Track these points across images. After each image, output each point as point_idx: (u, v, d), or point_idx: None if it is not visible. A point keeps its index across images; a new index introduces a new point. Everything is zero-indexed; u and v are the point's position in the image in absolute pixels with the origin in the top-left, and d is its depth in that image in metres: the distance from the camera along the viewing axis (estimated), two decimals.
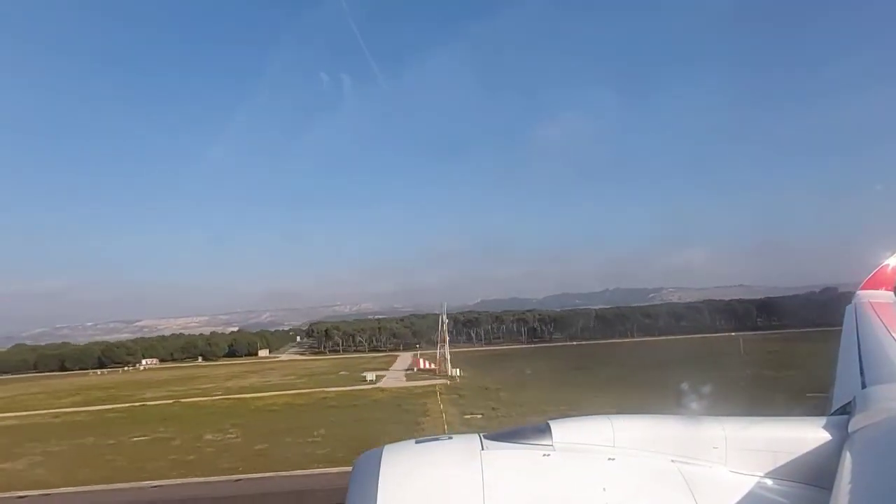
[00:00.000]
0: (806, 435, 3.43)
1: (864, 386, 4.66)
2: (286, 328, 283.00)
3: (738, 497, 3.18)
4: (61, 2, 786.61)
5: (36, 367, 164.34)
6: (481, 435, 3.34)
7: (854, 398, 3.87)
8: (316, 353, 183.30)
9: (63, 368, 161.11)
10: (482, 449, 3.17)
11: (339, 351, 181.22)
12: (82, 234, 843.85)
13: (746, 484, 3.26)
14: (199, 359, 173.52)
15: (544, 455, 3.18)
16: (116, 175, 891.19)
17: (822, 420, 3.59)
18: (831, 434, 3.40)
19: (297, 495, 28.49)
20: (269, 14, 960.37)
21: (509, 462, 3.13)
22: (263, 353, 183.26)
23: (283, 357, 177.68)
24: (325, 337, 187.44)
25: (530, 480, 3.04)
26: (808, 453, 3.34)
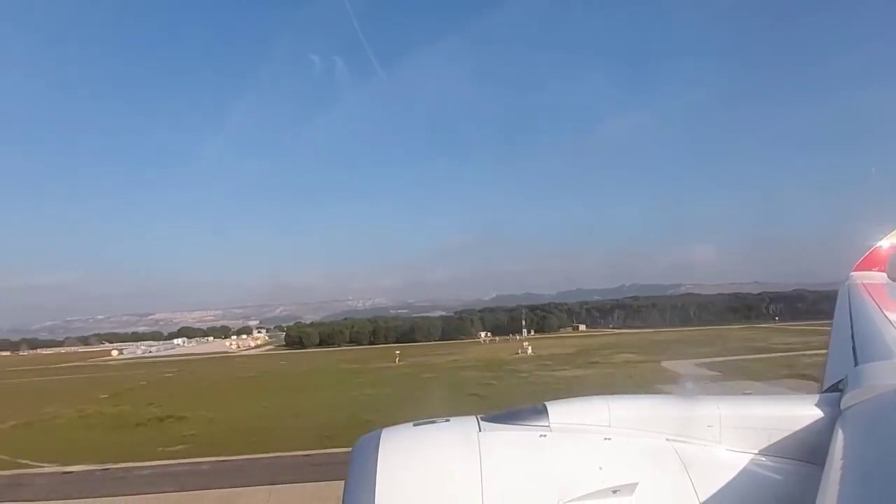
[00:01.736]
0: (799, 412, 3.43)
1: (856, 364, 4.65)
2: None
3: (733, 474, 3.19)
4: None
5: (386, 338, 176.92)
6: (478, 417, 3.34)
7: (846, 376, 3.88)
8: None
9: (411, 339, 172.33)
10: (479, 431, 3.18)
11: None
12: (89, 229, 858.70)
13: (741, 461, 3.27)
14: (525, 332, 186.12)
15: (541, 436, 3.19)
16: (122, 171, 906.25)
17: (815, 398, 3.59)
18: (824, 411, 3.41)
19: None
20: (270, 8, 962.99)
21: (506, 443, 3.13)
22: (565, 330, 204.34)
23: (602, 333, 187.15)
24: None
25: (527, 461, 3.05)
26: (801, 430, 3.35)
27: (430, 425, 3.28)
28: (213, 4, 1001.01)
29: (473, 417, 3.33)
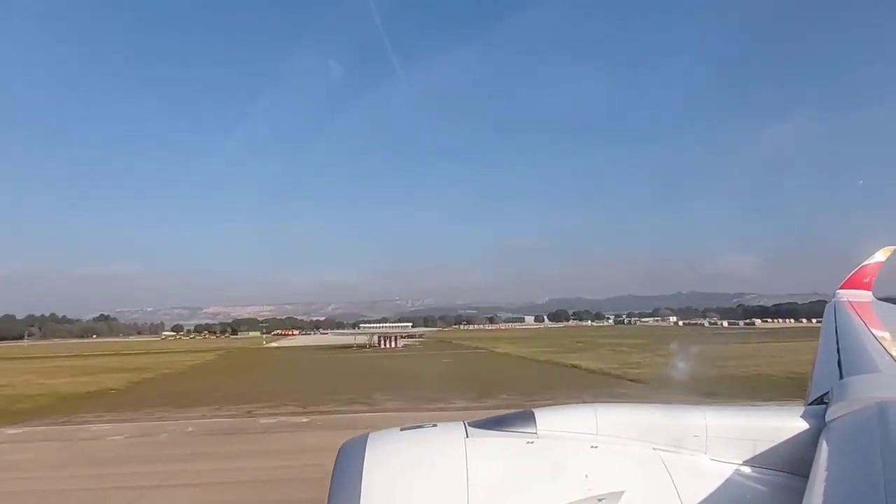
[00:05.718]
0: (784, 424, 3.38)
1: (841, 377, 4.56)
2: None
3: (718, 484, 3.15)
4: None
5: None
6: (466, 423, 3.30)
7: (832, 389, 3.81)
8: None
9: None
10: (466, 436, 3.15)
11: None
12: (130, 224, 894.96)
13: (726, 471, 3.23)
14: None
15: (528, 443, 3.16)
16: (147, 169, 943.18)
17: (801, 409, 3.52)
18: (809, 423, 3.35)
19: None
20: (294, 11, 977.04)
21: (493, 449, 3.10)
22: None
23: None
24: None
25: (514, 467, 3.02)
26: (786, 442, 3.30)
27: (417, 430, 3.25)
28: (233, 7, 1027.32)
29: (461, 423, 3.29)
